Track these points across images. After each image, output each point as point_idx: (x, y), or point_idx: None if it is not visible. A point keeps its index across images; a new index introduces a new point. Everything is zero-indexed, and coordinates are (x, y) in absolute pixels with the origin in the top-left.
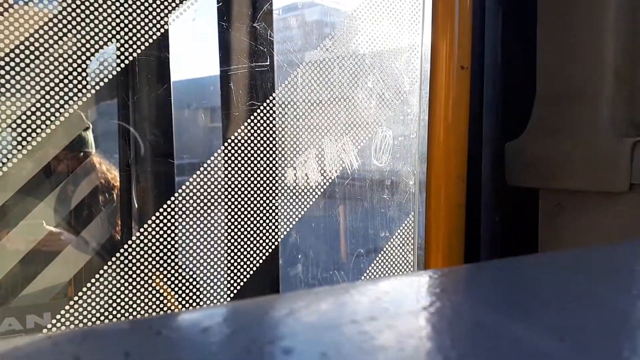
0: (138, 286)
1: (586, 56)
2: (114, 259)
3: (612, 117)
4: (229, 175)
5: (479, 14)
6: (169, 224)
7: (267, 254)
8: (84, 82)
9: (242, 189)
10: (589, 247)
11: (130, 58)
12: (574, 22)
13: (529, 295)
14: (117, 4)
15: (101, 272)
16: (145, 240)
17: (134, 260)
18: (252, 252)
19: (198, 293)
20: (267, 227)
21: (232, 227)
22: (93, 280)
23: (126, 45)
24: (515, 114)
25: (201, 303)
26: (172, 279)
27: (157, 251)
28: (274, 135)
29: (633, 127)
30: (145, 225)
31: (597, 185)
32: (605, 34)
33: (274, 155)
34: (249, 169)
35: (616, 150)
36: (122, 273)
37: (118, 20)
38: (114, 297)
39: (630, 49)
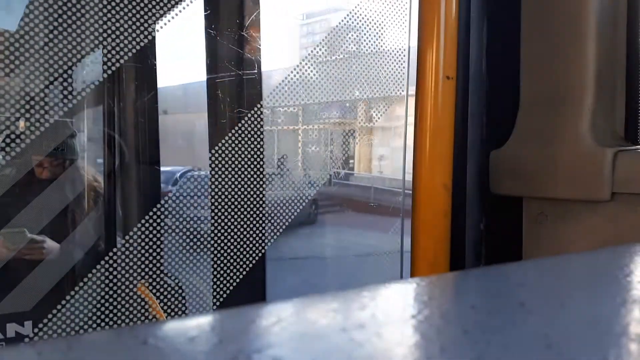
0: (123, 294)
1: (568, 66)
2: (98, 266)
3: (593, 126)
4: (216, 182)
5: (465, 25)
6: (154, 232)
7: (253, 261)
8: (70, 89)
9: (229, 195)
10: (573, 254)
11: (117, 65)
12: (557, 33)
13: (515, 302)
14: (105, 10)
15: (85, 280)
16: (131, 248)
17: (118, 268)
18: (238, 259)
19: (183, 301)
20: (254, 234)
21: (218, 234)
22: (76, 289)
23: (113, 52)
24: (500, 123)
25: (187, 311)
26: (157, 287)
27: (142, 259)
28: (260, 142)
29: (614, 137)
30: (131, 233)
31: (580, 194)
32: (587, 44)
33: (260, 162)
34: (235, 175)
35: (598, 159)
36: (106, 281)
37: (105, 27)
38: (98, 305)
39: (612, 60)
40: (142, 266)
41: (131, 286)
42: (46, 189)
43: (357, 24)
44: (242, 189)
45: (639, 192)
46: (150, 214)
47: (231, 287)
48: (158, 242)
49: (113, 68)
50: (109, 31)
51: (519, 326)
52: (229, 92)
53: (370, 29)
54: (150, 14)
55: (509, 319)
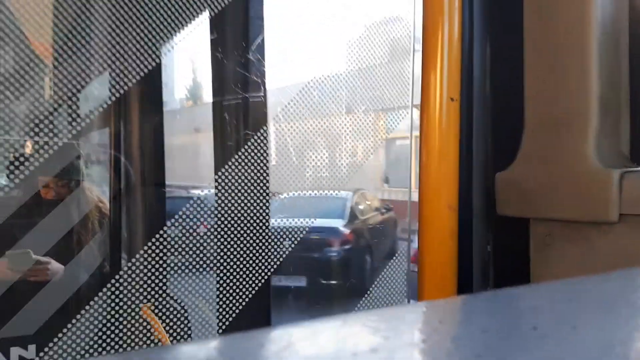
0: (129, 317)
1: (572, 87)
2: (104, 289)
3: (598, 147)
4: (222, 205)
5: (468, 47)
6: (160, 254)
7: (258, 285)
8: (77, 112)
9: (235, 218)
10: (583, 276)
11: (125, 88)
12: (560, 53)
13: (527, 326)
14: (113, 34)
15: (90, 303)
16: (137, 271)
17: (124, 292)
18: (243, 283)
19: (189, 325)
20: (259, 258)
21: (224, 257)
22: (82, 312)
23: (120, 76)
24: (505, 144)
25: (192, 335)
26: (163, 310)
27: (149, 282)
28: (266, 166)
29: (620, 158)
30: (137, 256)
31: (587, 216)
32: (590, 65)
33: (266, 186)
34: (242, 198)
35: (604, 180)
36: (112, 304)
37: (113, 51)
38: (104, 329)
39: (616, 81)
40: (148, 289)
41: (137, 309)
42: (52, 210)
43: (363, 46)
44: (248, 212)
45: None
46: (157, 236)
47: (237, 311)
48: (164, 265)
49: (120, 91)
50: (117, 55)
51: (532, 351)
52: (236, 113)
53: (375, 51)
54: (157, 38)
55: (522, 343)
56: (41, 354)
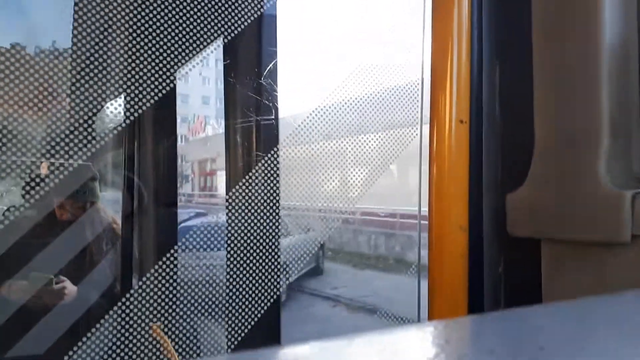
0: (139, 336)
1: (581, 109)
2: (115, 308)
3: (610, 168)
4: (233, 226)
5: (477, 69)
6: (171, 273)
7: (267, 304)
8: (93, 134)
9: (246, 240)
10: (594, 297)
11: (139, 111)
12: (569, 74)
13: (535, 346)
14: (126, 55)
15: (101, 322)
16: (148, 290)
17: (135, 310)
18: (253, 302)
19: (198, 344)
20: (269, 278)
21: (234, 277)
22: (93, 330)
23: (135, 99)
24: (516, 165)
25: (201, 354)
26: (173, 329)
27: (159, 301)
28: (277, 188)
29: (632, 179)
30: (148, 275)
31: (599, 237)
32: (600, 87)
33: (277, 207)
34: (254, 220)
35: (616, 201)
36: (122, 323)
37: (128, 75)
38: (114, 347)
39: (626, 102)
40: (159, 308)
41: (147, 328)
42: (66, 230)
43: (371, 69)
44: (258, 232)
45: None
46: (167, 255)
47: (246, 330)
48: (174, 284)
49: (135, 115)
50: (132, 79)
51: None
52: (247, 137)
53: (384, 73)
54: (172, 63)
55: None
56: None
